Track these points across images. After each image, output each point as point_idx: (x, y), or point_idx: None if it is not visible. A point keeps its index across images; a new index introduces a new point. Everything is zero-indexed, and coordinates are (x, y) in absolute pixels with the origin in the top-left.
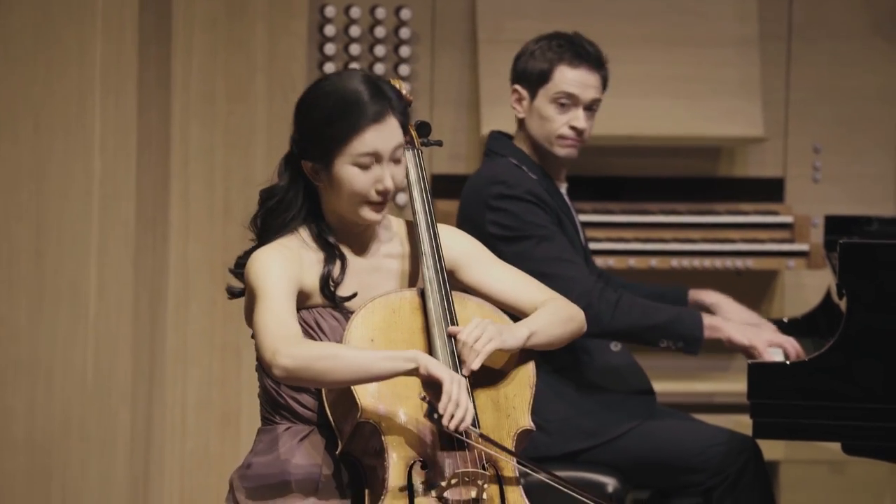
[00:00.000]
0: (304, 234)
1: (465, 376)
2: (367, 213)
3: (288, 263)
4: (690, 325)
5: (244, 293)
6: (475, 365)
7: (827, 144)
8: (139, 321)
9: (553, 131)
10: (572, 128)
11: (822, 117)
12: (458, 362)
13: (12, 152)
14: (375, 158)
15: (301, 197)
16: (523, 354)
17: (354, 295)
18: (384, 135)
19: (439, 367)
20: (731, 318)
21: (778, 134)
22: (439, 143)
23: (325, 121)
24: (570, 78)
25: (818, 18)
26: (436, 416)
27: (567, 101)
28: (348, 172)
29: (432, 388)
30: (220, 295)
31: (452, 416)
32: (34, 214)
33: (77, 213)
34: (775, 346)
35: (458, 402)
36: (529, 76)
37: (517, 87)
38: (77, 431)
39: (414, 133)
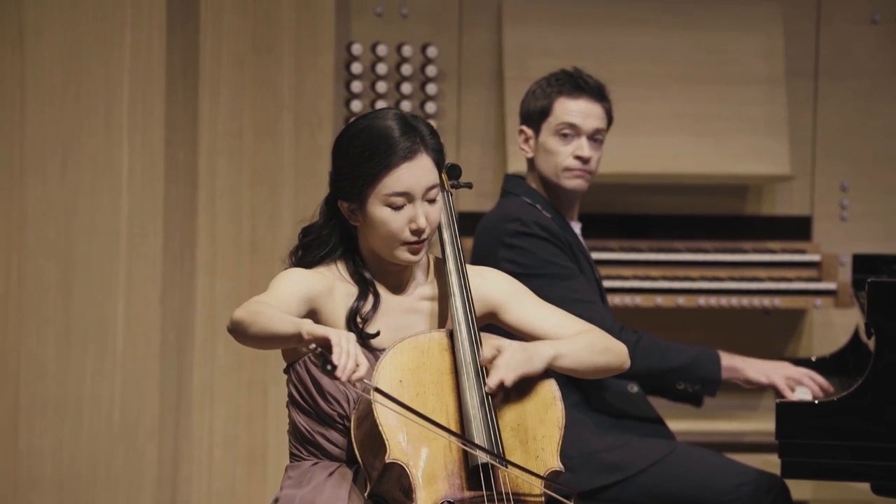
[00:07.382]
0: (341, 267)
1: (491, 395)
2: (404, 254)
3: (311, 285)
4: (709, 368)
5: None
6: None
7: (854, 182)
8: (166, 358)
9: (559, 164)
10: (577, 157)
11: (850, 155)
12: (489, 409)
13: (41, 189)
14: (408, 198)
15: (336, 236)
16: (551, 393)
17: (377, 333)
18: (416, 173)
19: (323, 328)
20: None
21: (805, 172)
22: (469, 186)
23: (356, 160)
24: (571, 108)
25: (845, 56)
26: (329, 367)
27: (569, 132)
28: (381, 213)
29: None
30: None
31: (346, 367)
32: (62, 251)
33: (104, 250)
34: (794, 381)
35: (349, 352)
36: (532, 114)
37: (523, 127)
38: (104, 469)
39: (444, 176)
